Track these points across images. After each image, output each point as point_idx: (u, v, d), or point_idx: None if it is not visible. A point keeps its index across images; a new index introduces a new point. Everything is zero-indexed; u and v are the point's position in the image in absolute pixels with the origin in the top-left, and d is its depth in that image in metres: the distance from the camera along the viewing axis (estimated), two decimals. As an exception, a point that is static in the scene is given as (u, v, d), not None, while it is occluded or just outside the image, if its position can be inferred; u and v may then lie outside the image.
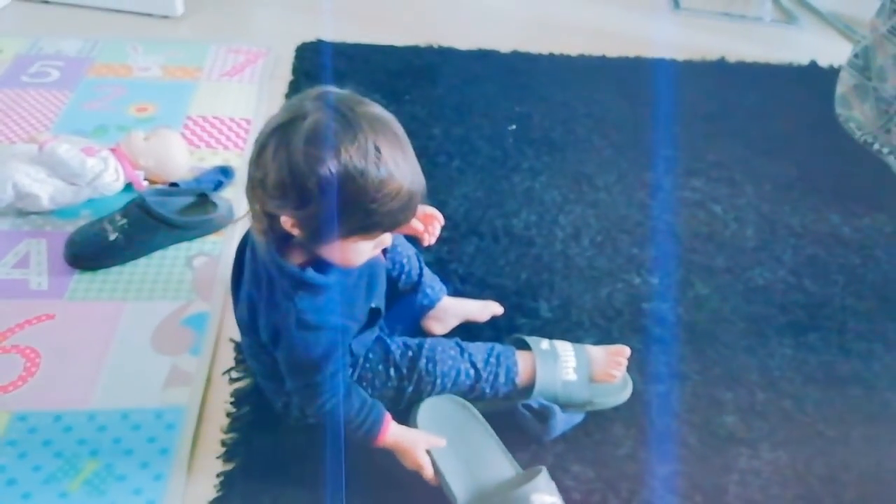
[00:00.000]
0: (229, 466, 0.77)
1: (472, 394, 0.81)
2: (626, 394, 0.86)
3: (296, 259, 0.68)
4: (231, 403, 0.83)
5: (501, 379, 0.81)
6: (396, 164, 0.62)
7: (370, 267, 0.73)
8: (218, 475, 0.76)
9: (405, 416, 0.79)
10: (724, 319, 1.01)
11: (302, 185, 0.60)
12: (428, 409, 0.78)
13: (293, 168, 0.60)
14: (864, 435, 0.87)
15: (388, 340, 0.81)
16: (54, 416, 0.80)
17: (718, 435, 0.85)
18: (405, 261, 0.87)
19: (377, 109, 0.63)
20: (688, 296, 1.04)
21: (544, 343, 0.85)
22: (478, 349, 0.82)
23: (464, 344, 0.83)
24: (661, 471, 0.80)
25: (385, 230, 0.66)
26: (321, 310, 0.68)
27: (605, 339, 0.94)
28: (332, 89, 0.63)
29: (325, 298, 0.68)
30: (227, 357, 0.88)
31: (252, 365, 0.83)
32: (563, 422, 0.80)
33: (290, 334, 0.68)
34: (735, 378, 0.92)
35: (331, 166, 0.59)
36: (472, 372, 0.80)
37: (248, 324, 0.75)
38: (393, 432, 0.74)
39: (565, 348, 0.85)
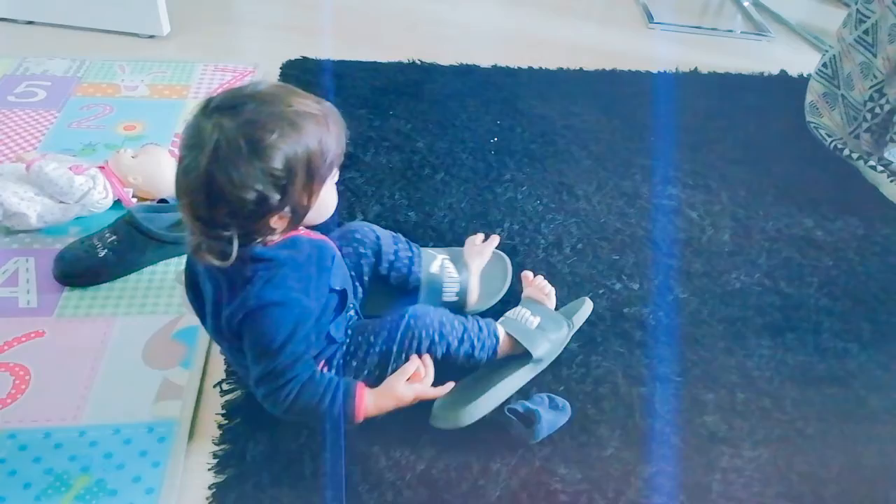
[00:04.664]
0: (221, 478, 0.77)
1: (461, 347, 0.83)
2: (588, 304, 0.98)
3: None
4: (222, 415, 0.84)
5: (485, 332, 0.85)
6: (307, 104, 0.65)
7: (317, 248, 0.74)
8: (210, 487, 0.76)
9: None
10: (703, 322, 1.03)
11: (275, 181, 0.62)
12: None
13: (258, 176, 0.61)
14: (841, 432, 0.89)
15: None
16: (44, 433, 0.80)
17: (700, 435, 0.86)
18: (392, 254, 0.91)
19: (251, 86, 0.65)
20: (667, 300, 1.06)
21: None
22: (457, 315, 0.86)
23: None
24: (646, 471, 0.81)
25: (337, 163, 0.68)
26: (279, 285, 0.68)
27: (588, 343, 0.96)
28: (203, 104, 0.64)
29: (280, 274, 0.69)
30: (218, 369, 0.89)
31: (238, 369, 0.84)
32: (548, 425, 0.82)
33: (255, 315, 0.68)
34: (715, 379, 0.94)
35: (281, 146, 0.62)
36: (456, 322, 0.83)
37: (223, 331, 0.76)
38: (369, 401, 0.75)
39: (517, 312, 0.92)
